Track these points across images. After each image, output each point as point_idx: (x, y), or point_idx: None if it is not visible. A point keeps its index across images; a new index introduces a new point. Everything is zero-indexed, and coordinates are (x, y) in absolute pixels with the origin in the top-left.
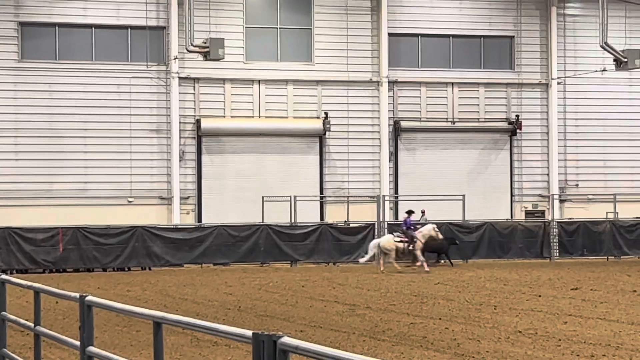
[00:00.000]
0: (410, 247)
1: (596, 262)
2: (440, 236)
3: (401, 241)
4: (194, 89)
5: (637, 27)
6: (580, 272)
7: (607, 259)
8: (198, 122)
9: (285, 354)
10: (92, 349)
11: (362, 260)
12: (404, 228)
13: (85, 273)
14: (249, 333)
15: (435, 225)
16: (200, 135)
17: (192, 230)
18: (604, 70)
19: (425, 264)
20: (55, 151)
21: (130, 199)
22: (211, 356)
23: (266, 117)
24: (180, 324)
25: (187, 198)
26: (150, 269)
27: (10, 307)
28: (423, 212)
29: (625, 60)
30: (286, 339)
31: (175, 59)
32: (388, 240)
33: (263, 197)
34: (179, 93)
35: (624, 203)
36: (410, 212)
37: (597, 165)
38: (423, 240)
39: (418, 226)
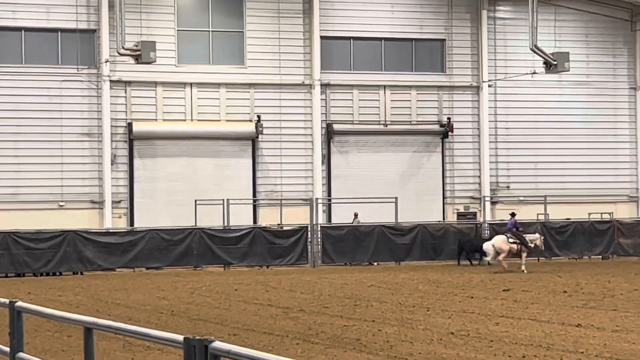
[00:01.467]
0: (524, 248)
1: (527, 263)
2: (542, 248)
3: (514, 242)
4: (126, 92)
5: (566, 31)
6: (512, 274)
7: (538, 260)
8: (130, 125)
9: (216, 359)
10: (22, 355)
11: (487, 258)
12: (513, 229)
13: (16, 278)
14: (180, 338)
15: (542, 237)
16: (132, 138)
17: (124, 234)
18: (534, 73)
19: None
20: None
21: (61, 203)
22: None
23: (198, 120)
24: (111, 329)
25: (119, 202)
26: (82, 273)
27: None
28: (356, 215)
29: (555, 63)
30: (218, 344)
31: (106, 62)
32: (504, 241)
33: (196, 201)
34: (111, 96)
35: (554, 204)
36: (513, 215)
37: (527, 167)
38: (532, 246)
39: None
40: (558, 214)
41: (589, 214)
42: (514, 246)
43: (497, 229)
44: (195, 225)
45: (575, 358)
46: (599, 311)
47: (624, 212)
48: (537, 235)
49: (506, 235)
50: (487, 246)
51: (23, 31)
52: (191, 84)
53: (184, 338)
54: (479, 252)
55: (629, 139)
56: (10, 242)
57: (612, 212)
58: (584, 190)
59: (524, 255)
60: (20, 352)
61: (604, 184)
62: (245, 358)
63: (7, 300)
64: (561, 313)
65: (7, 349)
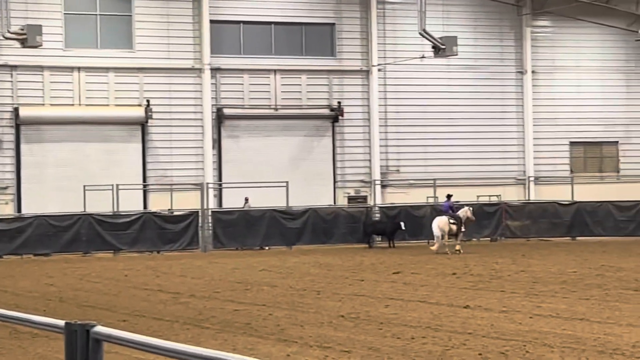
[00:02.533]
0: (463, 229)
1: (417, 245)
2: (473, 218)
3: (453, 223)
4: (12, 77)
5: (454, 15)
6: (402, 256)
7: (428, 242)
8: (16, 110)
9: (98, 343)
10: None
11: (437, 242)
12: (450, 211)
13: None
14: (61, 323)
15: (470, 208)
16: (18, 124)
17: (12, 221)
18: (423, 57)
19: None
20: None
21: None
22: (31, 348)
23: (87, 105)
24: None
25: (6, 188)
26: None
27: None
28: (246, 200)
29: (443, 47)
30: (99, 328)
31: None
32: (446, 222)
33: (84, 186)
34: None
35: (443, 187)
36: (449, 196)
37: (417, 151)
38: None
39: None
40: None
41: (478, 196)
42: (454, 227)
43: (386, 212)
44: (84, 211)
45: (463, 339)
46: (486, 292)
47: (511, 195)
48: (465, 208)
49: (447, 216)
50: (435, 229)
51: None
52: (79, 69)
53: (65, 323)
54: (381, 235)
55: (516, 123)
56: None
57: (500, 195)
58: (473, 173)
59: (460, 235)
60: None
61: (492, 167)
62: (127, 342)
63: None
64: (450, 295)
65: None
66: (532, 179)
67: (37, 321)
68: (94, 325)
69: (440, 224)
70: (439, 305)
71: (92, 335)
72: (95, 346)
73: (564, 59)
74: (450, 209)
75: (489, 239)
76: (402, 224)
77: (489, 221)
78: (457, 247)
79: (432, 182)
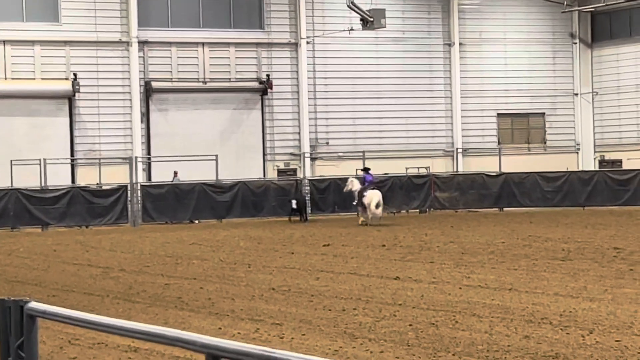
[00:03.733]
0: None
1: (347, 218)
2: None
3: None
4: None
5: None
6: (332, 229)
7: (358, 214)
8: None
9: (32, 319)
10: None
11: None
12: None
13: None
14: None
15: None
16: None
17: None
18: (351, 29)
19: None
20: None
21: None
22: None
23: (13, 79)
24: None
25: None
26: None
27: None
28: (175, 173)
29: (372, 19)
30: (33, 304)
31: None
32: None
33: (11, 161)
34: None
35: (372, 160)
36: (368, 169)
37: (346, 124)
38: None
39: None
40: (376, 169)
41: (407, 168)
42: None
43: (316, 184)
44: (12, 186)
45: (393, 310)
46: (416, 264)
47: (440, 167)
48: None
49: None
50: (376, 200)
51: None
52: (4, 42)
53: None
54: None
55: (444, 95)
56: None
57: (429, 167)
58: (402, 145)
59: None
60: None
61: (420, 139)
62: (60, 317)
63: None
64: (380, 266)
65: None
66: (460, 150)
67: None
68: (28, 302)
69: (379, 197)
70: (369, 277)
71: (26, 312)
72: (29, 322)
73: (491, 31)
74: (365, 182)
75: (417, 210)
76: (293, 202)
77: (418, 193)
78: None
79: (361, 154)
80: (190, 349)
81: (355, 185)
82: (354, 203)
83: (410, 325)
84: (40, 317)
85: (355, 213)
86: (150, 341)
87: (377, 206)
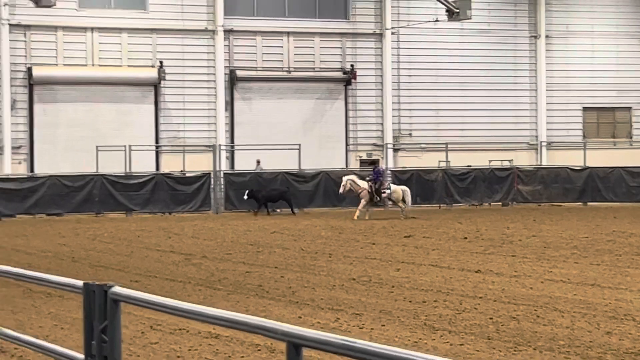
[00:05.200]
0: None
1: (429, 210)
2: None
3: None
4: (25, 37)
5: None
6: (413, 220)
7: (440, 206)
8: (29, 70)
9: (116, 304)
10: None
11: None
12: (380, 178)
13: None
14: (79, 283)
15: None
16: (32, 83)
17: (24, 181)
18: (437, 20)
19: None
20: None
21: None
22: (44, 307)
23: (100, 65)
24: (11, 275)
25: (19, 148)
26: None
27: None
28: (258, 162)
29: (457, 10)
30: (117, 289)
31: (5, 5)
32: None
33: (97, 147)
34: (10, 40)
35: (455, 152)
36: (376, 162)
37: (429, 115)
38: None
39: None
40: (459, 161)
41: (490, 161)
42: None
43: (398, 175)
44: (97, 172)
45: (474, 303)
46: (497, 257)
47: (523, 160)
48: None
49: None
50: (408, 195)
51: None
52: (92, 29)
53: (84, 283)
54: (273, 202)
55: (529, 87)
56: None
57: (512, 160)
58: (485, 137)
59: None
60: None
61: (504, 131)
62: (143, 302)
63: None
64: (461, 259)
65: None
66: (544, 144)
67: (55, 281)
68: (112, 286)
69: (407, 191)
70: (450, 269)
71: (110, 296)
72: (113, 306)
73: (578, 24)
74: (380, 175)
75: (500, 203)
76: (246, 192)
77: (501, 186)
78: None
79: (444, 146)
80: (272, 336)
81: (357, 184)
82: (366, 200)
83: (491, 318)
84: (124, 301)
85: (438, 205)
86: (233, 328)
87: (404, 201)
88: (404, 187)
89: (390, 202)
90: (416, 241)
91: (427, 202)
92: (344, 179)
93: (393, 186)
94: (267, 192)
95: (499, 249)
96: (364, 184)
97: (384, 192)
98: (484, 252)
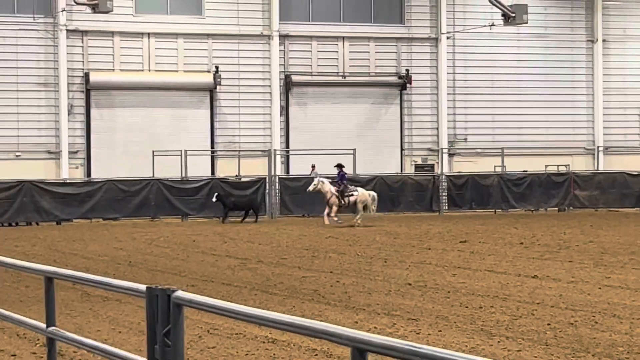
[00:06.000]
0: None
1: (484, 215)
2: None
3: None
4: (83, 42)
5: None
6: (469, 225)
7: (495, 212)
8: (87, 75)
9: (179, 308)
10: None
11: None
12: (343, 182)
13: None
14: (142, 287)
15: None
16: (89, 89)
17: (82, 185)
18: (493, 25)
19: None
20: None
21: (17, 154)
22: (102, 311)
23: (156, 70)
24: (72, 279)
25: (76, 152)
26: (38, 224)
27: None
28: (313, 167)
29: (513, 15)
30: (180, 293)
31: (62, 11)
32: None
33: (153, 152)
34: (67, 46)
35: (511, 157)
36: (341, 166)
37: (485, 120)
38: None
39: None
40: (515, 166)
41: (546, 166)
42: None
43: (454, 180)
44: (153, 176)
45: (531, 309)
46: (554, 262)
47: (580, 165)
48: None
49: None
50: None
51: None
52: (149, 34)
53: (147, 288)
54: (239, 209)
55: (585, 92)
56: None
57: (569, 165)
58: (541, 142)
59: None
60: None
61: (560, 136)
62: (206, 307)
63: None
64: (517, 264)
65: None
66: (601, 148)
67: (118, 285)
68: (175, 290)
69: (373, 196)
70: (507, 274)
71: (173, 300)
72: (175, 311)
73: (635, 28)
74: (344, 179)
75: (556, 208)
76: (215, 194)
77: (557, 191)
78: (336, 219)
79: (499, 151)
80: (336, 341)
81: (325, 187)
82: (337, 205)
83: (548, 324)
84: (187, 305)
85: (494, 210)
86: (297, 333)
87: (371, 207)
88: (372, 192)
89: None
90: (472, 246)
91: (482, 207)
92: (316, 179)
93: (360, 190)
94: (236, 199)
95: (556, 254)
96: (332, 189)
97: (351, 195)
98: (541, 257)
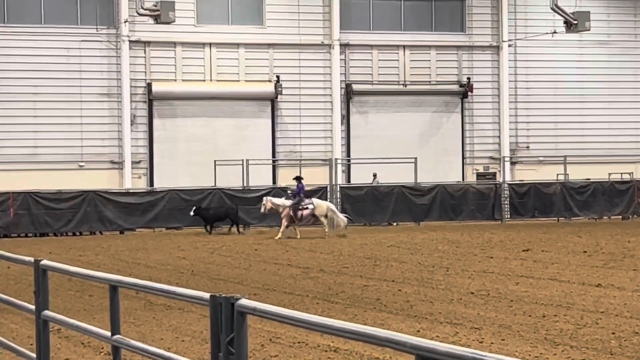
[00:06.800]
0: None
1: (547, 223)
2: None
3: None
4: (145, 53)
5: None
6: (532, 234)
7: (558, 220)
8: (149, 85)
9: (242, 316)
10: (47, 313)
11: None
12: (301, 195)
13: (37, 238)
14: (206, 295)
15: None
16: (151, 99)
17: (144, 195)
18: (555, 32)
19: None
20: (4, 115)
21: (81, 164)
22: (165, 320)
23: (218, 80)
24: (137, 287)
25: (139, 162)
26: (101, 233)
27: None
28: (375, 176)
29: (575, 22)
30: (244, 301)
31: (125, 22)
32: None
33: (215, 161)
34: (130, 57)
35: (574, 165)
36: (299, 178)
37: (547, 127)
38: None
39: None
40: (578, 174)
41: (609, 174)
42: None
43: (516, 188)
44: (215, 186)
45: (595, 317)
46: (618, 271)
47: None
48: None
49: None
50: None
51: None
52: (210, 44)
53: (210, 296)
54: (218, 220)
55: None
56: (31, 202)
57: (632, 172)
58: (604, 150)
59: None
60: (45, 310)
61: (624, 144)
62: (270, 315)
63: (32, 259)
64: (581, 273)
65: (33, 307)
66: None
67: (182, 293)
68: (239, 299)
69: (332, 205)
70: (570, 283)
71: (237, 308)
72: (240, 319)
73: None
74: (301, 191)
75: (620, 217)
76: (194, 208)
77: (621, 199)
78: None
79: (562, 159)
80: (400, 349)
81: (276, 202)
82: (287, 219)
83: (613, 333)
84: (251, 314)
85: (557, 219)
86: (361, 341)
87: (333, 215)
88: (329, 203)
89: (312, 219)
90: (535, 255)
91: (545, 215)
92: (264, 199)
93: (316, 201)
94: (214, 211)
95: (620, 263)
96: (284, 202)
97: (306, 209)
98: (605, 266)
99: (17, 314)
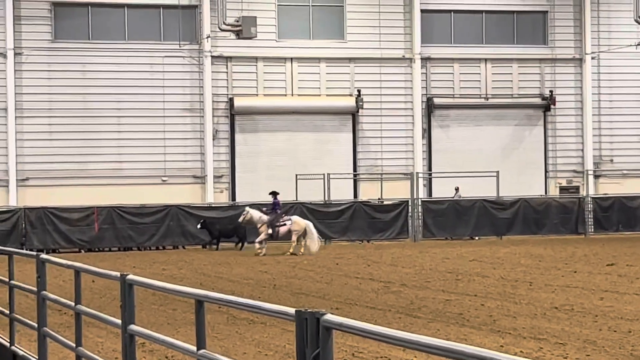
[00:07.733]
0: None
1: (632, 237)
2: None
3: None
4: (227, 68)
5: None
6: (616, 248)
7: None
8: (231, 100)
9: (328, 331)
10: (133, 327)
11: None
12: (277, 210)
13: (120, 252)
14: (291, 311)
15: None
16: (233, 114)
17: (226, 209)
18: (638, 44)
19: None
20: (89, 131)
21: (164, 178)
22: (248, 334)
23: (299, 95)
24: (222, 302)
25: (221, 177)
26: (184, 247)
27: (47, 287)
28: (457, 189)
29: None
30: (329, 316)
31: (207, 37)
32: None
33: (296, 175)
34: (212, 72)
35: None
36: (275, 193)
37: (632, 140)
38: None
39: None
40: None
41: None
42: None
43: (599, 202)
44: (297, 200)
45: None
46: None
47: None
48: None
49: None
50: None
51: (126, 7)
52: (291, 59)
53: (296, 311)
54: (225, 236)
55: None
56: (115, 216)
57: None
58: None
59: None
60: (131, 324)
61: None
62: (356, 330)
63: (118, 274)
64: None
65: (119, 321)
66: None
67: (267, 308)
68: (324, 314)
69: (309, 223)
70: None
71: (323, 324)
72: (325, 334)
73: None
74: (278, 207)
75: None
76: (200, 221)
77: None
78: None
79: None
80: None
81: (255, 215)
82: (266, 234)
83: None
84: (336, 329)
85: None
86: (446, 357)
87: (311, 234)
88: (308, 222)
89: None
90: (619, 269)
91: (629, 229)
92: (246, 209)
93: (294, 217)
94: (222, 226)
95: None
96: (262, 218)
97: (283, 225)
98: None
99: (103, 327)
